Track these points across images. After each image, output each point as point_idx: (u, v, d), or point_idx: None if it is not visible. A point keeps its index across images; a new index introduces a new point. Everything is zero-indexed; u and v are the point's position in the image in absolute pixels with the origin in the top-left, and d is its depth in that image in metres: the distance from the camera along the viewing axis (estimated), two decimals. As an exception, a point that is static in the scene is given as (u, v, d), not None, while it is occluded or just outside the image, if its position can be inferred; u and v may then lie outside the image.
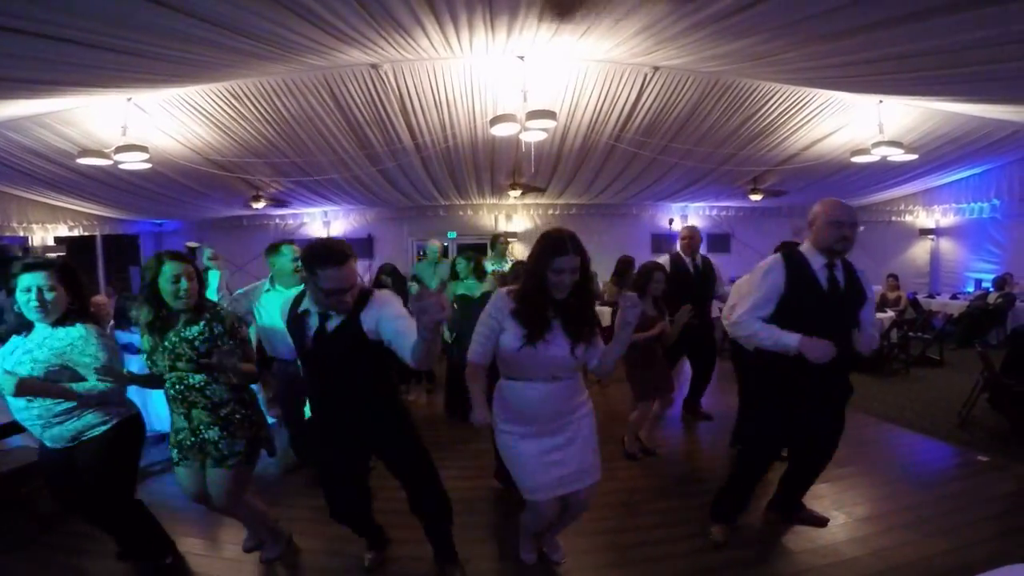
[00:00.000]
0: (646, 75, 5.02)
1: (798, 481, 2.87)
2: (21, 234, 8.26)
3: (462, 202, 9.84)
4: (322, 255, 1.98)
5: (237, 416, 2.31)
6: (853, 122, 6.05)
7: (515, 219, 10.26)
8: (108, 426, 2.21)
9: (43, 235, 8.55)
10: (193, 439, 2.28)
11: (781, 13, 3.34)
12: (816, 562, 2.60)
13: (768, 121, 6.04)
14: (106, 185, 7.21)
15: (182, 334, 2.22)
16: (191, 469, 2.33)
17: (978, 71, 4.07)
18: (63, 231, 8.80)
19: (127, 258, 10.43)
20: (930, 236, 9.66)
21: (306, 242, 3.41)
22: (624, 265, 6.40)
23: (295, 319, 2.16)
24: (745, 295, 2.58)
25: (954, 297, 8.48)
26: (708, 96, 5.43)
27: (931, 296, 8.89)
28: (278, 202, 8.96)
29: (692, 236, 4.68)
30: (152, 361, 2.27)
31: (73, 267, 2.23)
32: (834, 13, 3.25)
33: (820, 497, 3.20)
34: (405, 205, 9.76)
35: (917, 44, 3.63)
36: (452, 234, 10.10)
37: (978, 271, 8.87)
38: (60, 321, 2.13)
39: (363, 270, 10.27)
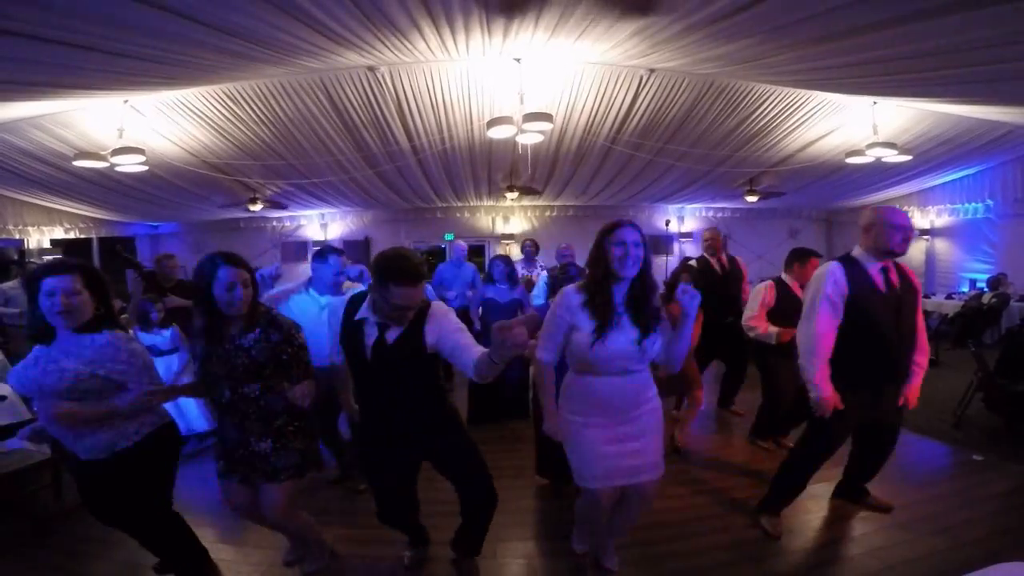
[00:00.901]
0: (642, 77, 5.04)
1: (865, 468, 2.97)
2: (17, 237, 8.24)
3: (459, 204, 9.86)
4: (399, 271, 1.93)
5: (290, 428, 2.21)
6: (848, 123, 6.09)
7: (512, 221, 10.28)
8: (142, 436, 2.08)
9: (39, 237, 8.53)
10: (243, 451, 2.18)
11: (774, 16, 3.36)
12: (811, 561, 2.61)
13: (763, 123, 6.07)
14: (102, 187, 7.21)
15: (237, 342, 2.10)
16: (236, 484, 2.24)
17: (971, 73, 4.10)
18: (59, 233, 8.78)
19: (124, 260, 10.38)
20: (925, 237, 9.70)
21: (319, 244, 3.40)
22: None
23: (351, 327, 2.13)
24: (810, 310, 2.57)
25: (949, 297, 8.52)
26: (704, 98, 5.46)
27: (926, 296, 8.91)
28: (275, 204, 8.95)
29: (714, 237, 4.75)
30: (206, 369, 2.14)
31: (98, 270, 2.10)
32: (827, 16, 3.27)
33: (816, 497, 3.21)
34: (402, 207, 9.77)
35: (909, 46, 3.66)
36: (449, 236, 10.10)
37: (973, 271, 8.91)
38: (85, 327, 1.99)
39: (357, 273, 10.26)
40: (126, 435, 2.04)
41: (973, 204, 8.63)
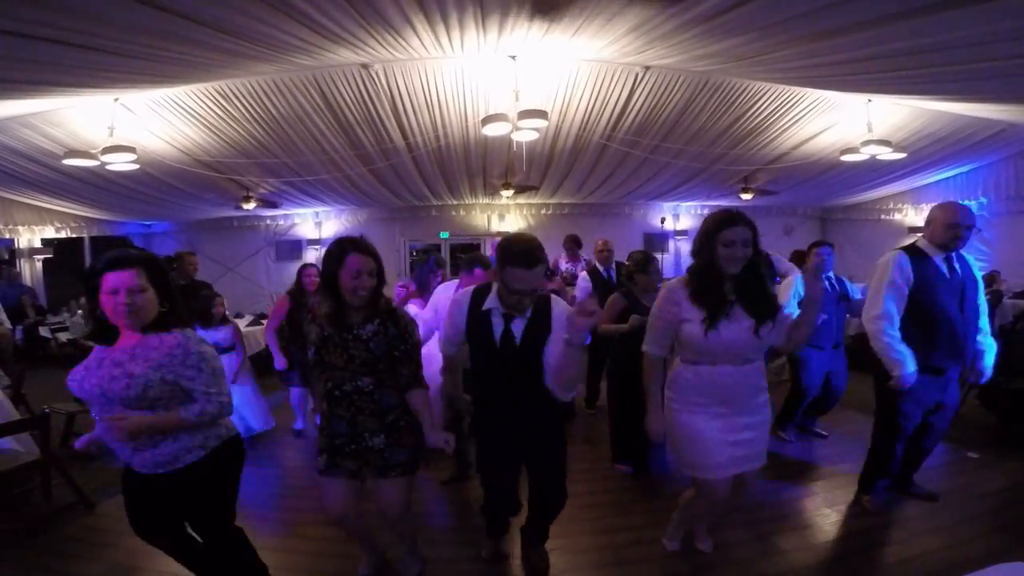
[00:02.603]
0: (637, 74, 5.03)
1: (911, 458, 3.05)
2: (7, 236, 8.18)
3: (454, 202, 9.82)
4: (514, 253, 1.98)
5: (402, 423, 2.16)
6: (842, 121, 6.09)
7: (508, 219, 10.24)
8: (208, 450, 1.89)
9: (30, 237, 8.47)
10: (354, 446, 2.12)
11: (769, 12, 3.35)
12: (806, 561, 2.60)
13: (758, 120, 6.06)
14: (93, 186, 7.14)
15: (356, 332, 2.06)
16: (340, 481, 2.16)
17: (964, 70, 4.10)
18: (50, 233, 8.72)
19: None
20: (919, 234, 9.68)
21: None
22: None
23: (478, 317, 2.16)
24: (875, 294, 2.77)
25: (943, 294, 8.55)
26: (699, 95, 5.44)
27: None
28: (268, 203, 8.89)
29: None
30: (320, 356, 2.08)
31: (162, 263, 1.91)
32: (821, 12, 3.26)
33: (812, 495, 3.22)
34: (397, 205, 9.72)
35: (904, 43, 3.65)
36: (444, 235, 10.06)
37: (966, 269, 8.96)
38: (150, 327, 1.81)
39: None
40: (190, 448, 1.85)
41: (967, 202, 8.65)
